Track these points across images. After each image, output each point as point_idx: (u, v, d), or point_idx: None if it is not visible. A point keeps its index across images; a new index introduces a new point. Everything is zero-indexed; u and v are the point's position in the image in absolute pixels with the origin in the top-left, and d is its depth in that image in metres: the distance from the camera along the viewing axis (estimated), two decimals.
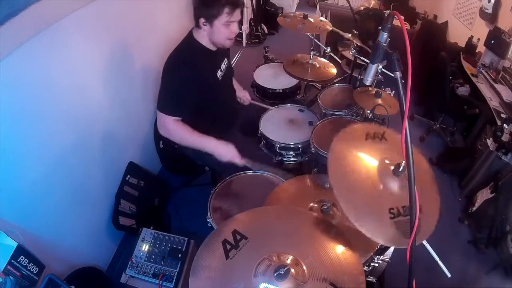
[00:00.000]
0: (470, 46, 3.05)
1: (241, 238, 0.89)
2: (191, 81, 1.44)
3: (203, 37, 1.48)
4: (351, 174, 0.89)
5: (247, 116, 1.92)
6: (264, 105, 2.03)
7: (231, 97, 1.84)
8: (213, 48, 1.54)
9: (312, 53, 2.09)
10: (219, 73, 1.62)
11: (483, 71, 2.74)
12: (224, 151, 1.47)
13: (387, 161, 0.92)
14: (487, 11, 2.86)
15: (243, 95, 1.95)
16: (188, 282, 0.81)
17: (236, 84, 1.93)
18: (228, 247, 0.87)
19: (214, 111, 1.63)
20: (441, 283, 1.38)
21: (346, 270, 0.83)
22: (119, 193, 1.82)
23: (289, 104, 2.02)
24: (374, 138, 0.99)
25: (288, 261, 0.83)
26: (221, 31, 1.43)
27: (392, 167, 0.89)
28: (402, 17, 0.78)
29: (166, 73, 1.47)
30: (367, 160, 0.93)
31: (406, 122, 0.70)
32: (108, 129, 1.71)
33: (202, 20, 1.41)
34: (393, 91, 1.87)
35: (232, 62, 3.72)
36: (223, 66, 1.66)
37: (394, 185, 0.87)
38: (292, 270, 0.80)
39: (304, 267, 0.82)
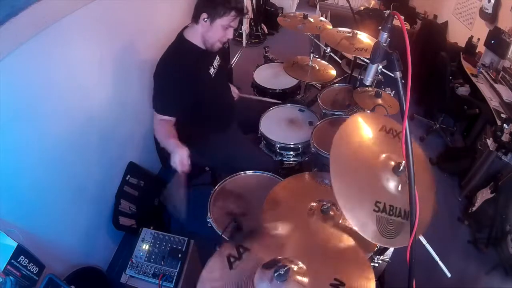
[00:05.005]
0: (470, 46, 3.05)
1: (244, 251, 0.88)
2: (183, 81, 1.46)
3: (196, 35, 1.50)
4: (353, 154, 0.90)
5: (248, 114, 1.92)
6: (267, 99, 2.02)
7: (226, 94, 1.84)
8: (203, 47, 1.55)
9: (311, 55, 2.09)
10: (211, 70, 1.63)
11: (483, 71, 2.74)
12: (176, 157, 1.37)
13: (390, 157, 0.92)
14: (487, 11, 2.87)
15: (232, 90, 1.94)
16: (188, 282, 0.81)
17: None
18: (232, 259, 0.87)
19: (209, 108, 1.64)
20: (441, 283, 1.37)
21: (350, 266, 0.83)
22: (119, 193, 1.82)
23: (289, 104, 2.02)
24: (387, 133, 0.99)
25: (288, 261, 0.83)
26: (218, 31, 1.46)
27: (393, 165, 0.88)
28: (402, 17, 0.78)
29: (158, 74, 1.50)
30: (372, 148, 0.93)
31: (406, 122, 0.70)
32: (108, 129, 1.71)
33: (204, 15, 1.42)
34: (393, 91, 1.87)
35: (232, 62, 3.75)
36: (215, 63, 1.67)
37: (390, 182, 0.87)
38: (293, 270, 0.80)
39: (304, 267, 0.82)
